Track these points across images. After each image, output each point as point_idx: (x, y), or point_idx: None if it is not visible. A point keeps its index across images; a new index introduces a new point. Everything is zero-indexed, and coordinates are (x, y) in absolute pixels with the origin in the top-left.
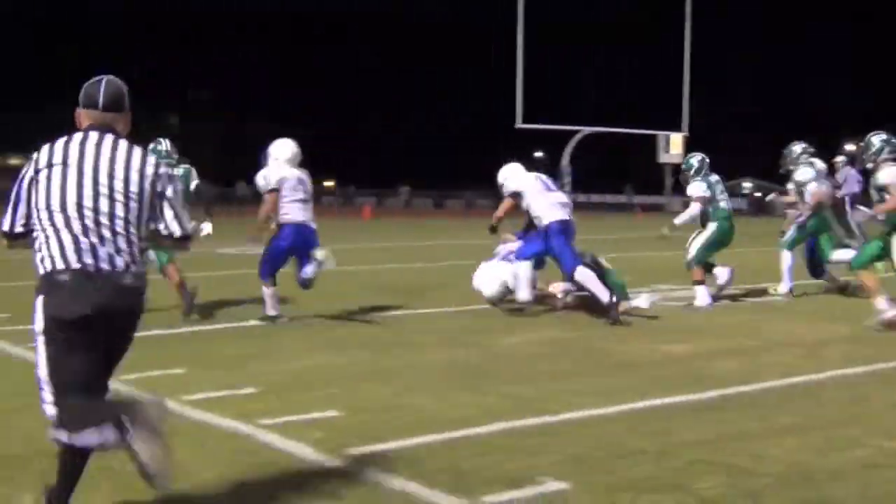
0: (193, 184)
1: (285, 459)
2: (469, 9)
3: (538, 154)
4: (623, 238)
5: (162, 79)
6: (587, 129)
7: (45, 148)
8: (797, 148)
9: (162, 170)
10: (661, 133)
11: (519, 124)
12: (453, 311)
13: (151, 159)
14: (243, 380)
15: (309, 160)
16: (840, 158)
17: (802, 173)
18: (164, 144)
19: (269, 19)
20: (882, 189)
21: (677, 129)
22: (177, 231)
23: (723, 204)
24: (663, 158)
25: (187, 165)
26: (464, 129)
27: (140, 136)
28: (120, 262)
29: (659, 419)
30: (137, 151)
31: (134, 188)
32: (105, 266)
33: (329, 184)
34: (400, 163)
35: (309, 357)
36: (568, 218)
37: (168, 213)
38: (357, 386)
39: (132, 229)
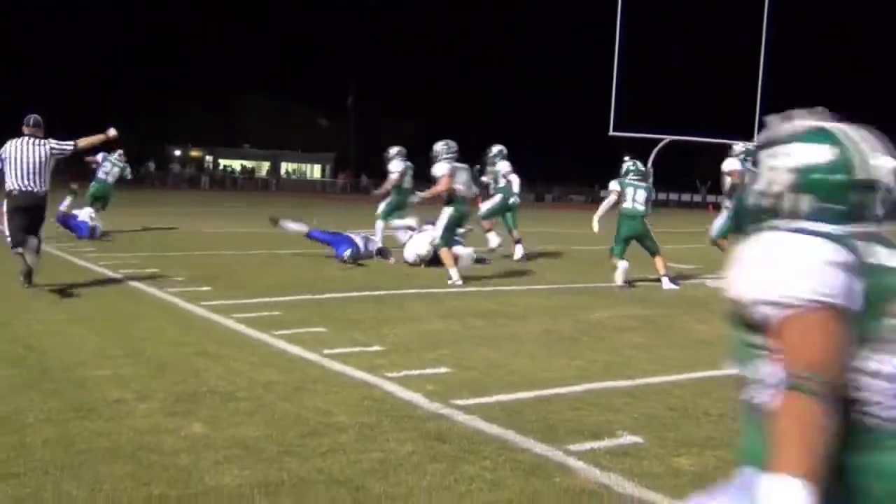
0: (128, 172)
1: (403, 406)
2: (570, 37)
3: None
4: (697, 231)
5: (316, 86)
6: (669, 137)
7: (12, 141)
8: (495, 149)
9: (53, 148)
10: (735, 142)
11: (611, 132)
12: (549, 289)
13: (47, 146)
14: (373, 339)
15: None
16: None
17: (502, 166)
18: (117, 154)
19: (415, 42)
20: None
21: (749, 138)
22: (68, 149)
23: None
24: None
25: (126, 163)
26: (562, 134)
27: (291, 133)
28: (35, 186)
29: (724, 387)
30: (43, 143)
31: (39, 157)
32: (31, 188)
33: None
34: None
35: (429, 322)
36: None
37: (66, 145)
38: (467, 348)
39: (43, 173)
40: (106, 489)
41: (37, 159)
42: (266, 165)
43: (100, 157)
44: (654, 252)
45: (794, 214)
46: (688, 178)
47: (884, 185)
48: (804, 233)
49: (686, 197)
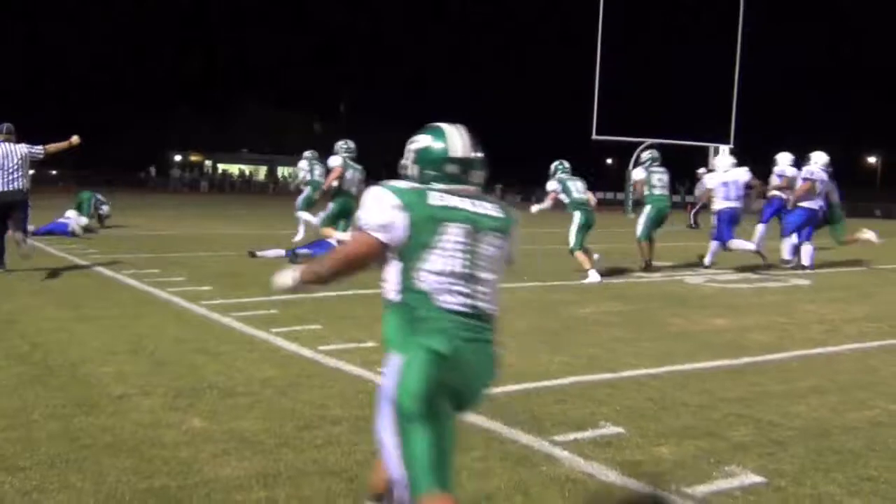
0: (106, 209)
1: None
2: (552, 50)
3: (608, 161)
4: (674, 230)
5: (311, 94)
6: (649, 141)
7: None
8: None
9: (30, 151)
10: (711, 145)
11: (594, 136)
12: (534, 286)
13: (24, 148)
14: (367, 335)
15: None
16: (702, 170)
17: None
18: (97, 195)
19: (401, 51)
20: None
21: (726, 141)
22: (40, 154)
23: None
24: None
25: (107, 204)
26: (546, 137)
27: (286, 138)
28: (19, 184)
29: (701, 379)
30: (18, 146)
31: (19, 159)
32: (13, 186)
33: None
34: (495, 166)
35: None
36: None
37: (38, 149)
38: None
39: (22, 172)
40: (109, 481)
41: (17, 161)
42: (263, 169)
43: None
44: (582, 245)
45: (413, 177)
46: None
47: (467, 162)
48: (383, 186)
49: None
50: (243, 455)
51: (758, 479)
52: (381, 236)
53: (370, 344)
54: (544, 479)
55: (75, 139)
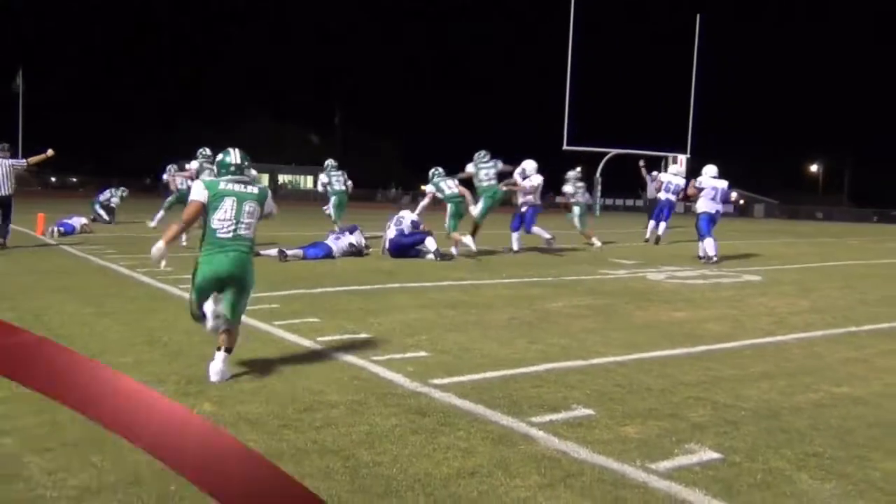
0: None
1: (387, 385)
2: (531, 65)
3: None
4: (638, 232)
5: (310, 107)
6: (614, 151)
7: None
8: (326, 162)
9: (13, 164)
10: (670, 154)
11: (565, 146)
12: (512, 282)
13: (9, 162)
14: (361, 327)
15: (408, 170)
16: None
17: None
18: (121, 189)
19: (388, 70)
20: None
21: (683, 150)
22: (23, 166)
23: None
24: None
25: (121, 197)
26: (522, 148)
27: (284, 149)
28: (8, 191)
29: (663, 366)
30: (7, 160)
31: (7, 170)
32: (4, 192)
33: (424, 187)
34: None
35: (409, 312)
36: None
37: (21, 162)
38: (442, 334)
39: (10, 181)
40: (128, 461)
41: (5, 171)
42: (265, 178)
43: (108, 192)
44: (455, 228)
45: (216, 173)
46: (631, 186)
47: (239, 166)
48: (201, 181)
49: (630, 202)
50: (249, 436)
51: (715, 455)
52: (201, 201)
53: (363, 335)
54: (522, 457)
55: (50, 152)
